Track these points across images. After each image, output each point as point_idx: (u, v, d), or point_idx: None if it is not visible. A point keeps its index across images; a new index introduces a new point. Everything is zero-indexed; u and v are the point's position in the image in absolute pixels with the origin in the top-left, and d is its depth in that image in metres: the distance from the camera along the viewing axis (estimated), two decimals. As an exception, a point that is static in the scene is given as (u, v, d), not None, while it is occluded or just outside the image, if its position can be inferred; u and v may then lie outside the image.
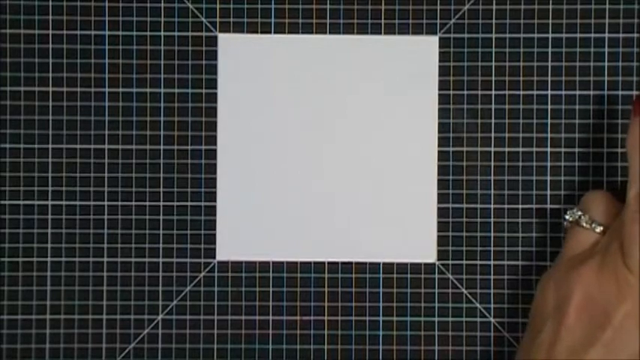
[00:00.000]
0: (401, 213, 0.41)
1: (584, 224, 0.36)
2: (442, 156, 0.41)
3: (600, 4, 0.41)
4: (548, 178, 0.41)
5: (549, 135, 0.41)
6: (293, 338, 0.41)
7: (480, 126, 0.41)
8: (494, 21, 0.41)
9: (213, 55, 0.41)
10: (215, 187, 0.41)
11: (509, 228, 0.41)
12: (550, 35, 0.41)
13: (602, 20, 0.41)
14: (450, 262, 0.41)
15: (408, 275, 0.41)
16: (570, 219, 0.37)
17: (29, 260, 0.41)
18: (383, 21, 0.41)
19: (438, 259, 0.41)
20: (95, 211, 0.41)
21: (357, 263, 0.41)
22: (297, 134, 0.41)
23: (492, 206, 0.41)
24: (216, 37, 0.41)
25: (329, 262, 0.41)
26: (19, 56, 0.41)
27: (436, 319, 0.41)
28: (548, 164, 0.41)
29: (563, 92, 0.41)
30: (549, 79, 0.41)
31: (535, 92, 0.41)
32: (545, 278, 0.37)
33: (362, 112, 0.41)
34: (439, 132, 0.41)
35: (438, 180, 0.41)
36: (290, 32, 0.41)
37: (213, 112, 0.41)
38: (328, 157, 0.41)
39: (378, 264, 0.41)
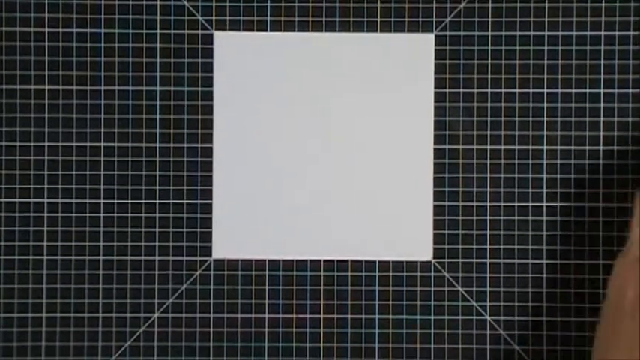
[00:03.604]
0: (397, 211, 0.41)
1: None
2: (438, 154, 0.41)
3: (596, 2, 0.41)
4: (545, 176, 0.41)
5: (545, 133, 0.41)
6: (289, 336, 0.41)
7: (476, 124, 0.41)
8: (490, 19, 0.41)
9: (209, 53, 0.41)
10: (211, 184, 0.41)
11: (505, 226, 0.41)
12: (546, 33, 0.41)
13: (598, 18, 0.41)
14: (446, 259, 0.41)
15: (404, 273, 0.41)
16: None
17: (25, 258, 0.41)
18: (379, 19, 0.41)
19: (434, 257, 0.41)
20: (91, 208, 0.41)
21: (353, 261, 0.41)
22: (293, 132, 0.41)
23: (488, 204, 0.41)
24: (212, 35, 0.41)
25: (325, 260, 0.41)
26: (15, 54, 0.41)
27: (432, 316, 0.41)
28: (544, 162, 0.41)
29: (559, 90, 0.41)
30: (545, 76, 0.41)
31: (531, 90, 0.41)
32: (619, 269, 0.34)
33: (358, 109, 0.41)
34: (435, 130, 0.41)
35: (434, 178, 0.41)
36: (286, 30, 0.41)
37: (209, 109, 0.41)
38: (324, 154, 0.41)
39: (374, 262, 0.41)
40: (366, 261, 0.41)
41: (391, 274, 0.41)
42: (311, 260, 0.41)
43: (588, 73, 0.41)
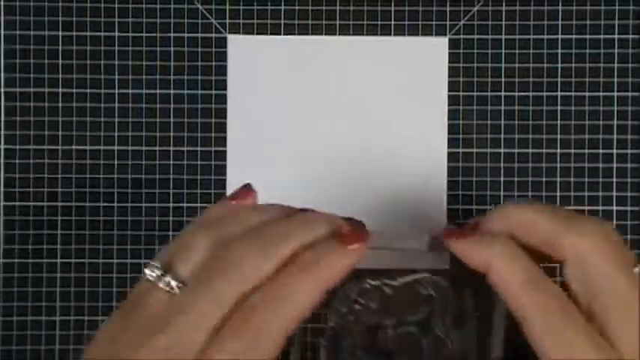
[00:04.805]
0: (410, 214, 0.41)
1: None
2: (452, 157, 0.41)
3: (610, 5, 0.41)
4: (558, 179, 0.41)
5: (559, 136, 0.41)
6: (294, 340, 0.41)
7: (490, 127, 0.41)
8: (503, 22, 0.41)
9: (222, 57, 0.41)
10: (225, 188, 0.41)
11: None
12: (560, 36, 0.41)
13: (611, 21, 0.41)
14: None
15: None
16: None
17: (39, 262, 0.41)
18: (393, 22, 0.41)
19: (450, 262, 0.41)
20: (105, 212, 0.41)
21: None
22: (307, 135, 0.41)
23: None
24: (225, 39, 0.41)
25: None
26: (29, 57, 0.41)
27: (446, 320, 0.41)
28: (558, 165, 0.41)
29: (573, 93, 0.41)
30: (559, 80, 0.41)
31: (545, 93, 0.41)
32: None
33: (371, 113, 0.41)
34: (449, 133, 0.41)
35: (448, 181, 0.41)
36: (300, 33, 0.41)
37: (222, 113, 0.41)
38: (337, 158, 0.41)
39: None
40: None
41: (405, 277, 0.41)
42: None
43: (602, 76, 0.41)
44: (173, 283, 0.27)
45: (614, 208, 0.41)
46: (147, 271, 0.28)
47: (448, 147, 0.41)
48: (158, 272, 0.27)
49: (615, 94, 0.41)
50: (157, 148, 0.41)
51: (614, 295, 0.27)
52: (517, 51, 0.41)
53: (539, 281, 0.27)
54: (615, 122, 0.41)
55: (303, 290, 0.27)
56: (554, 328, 0.26)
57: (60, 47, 0.41)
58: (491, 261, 0.28)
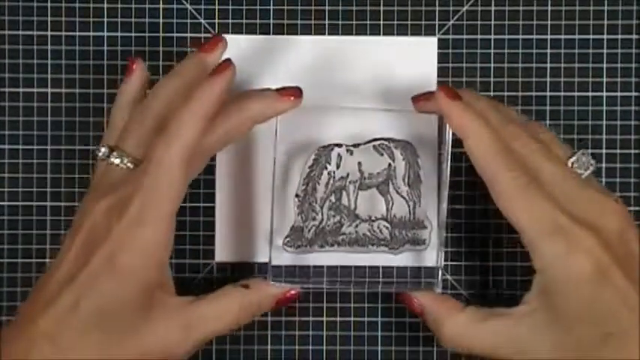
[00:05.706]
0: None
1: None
2: (442, 157, 0.41)
3: (599, 5, 0.41)
4: (547, 179, 0.41)
5: (548, 136, 0.41)
6: (292, 339, 0.41)
7: (479, 127, 0.41)
8: (492, 22, 0.41)
9: (211, 57, 0.41)
10: (214, 188, 0.41)
11: (508, 229, 0.41)
12: (549, 37, 0.41)
13: (600, 22, 0.41)
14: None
15: (408, 279, 0.41)
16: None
17: (28, 261, 0.41)
18: (382, 22, 0.41)
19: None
20: (94, 212, 0.41)
21: (356, 267, 0.41)
22: (296, 135, 0.41)
23: (491, 207, 0.41)
24: (214, 38, 0.41)
25: (328, 267, 0.41)
26: (18, 57, 0.41)
27: (435, 320, 0.41)
28: (547, 165, 0.41)
29: (562, 93, 0.41)
30: (548, 80, 0.41)
31: (534, 93, 0.41)
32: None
33: (361, 113, 0.41)
34: (438, 134, 0.41)
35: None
36: (289, 33, 0.41)
37: (211, 113, 0.41)
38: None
39: (378, 267, 0.41)
40: (370, 267, 0.41)
41: (395, 279, 0.41)
42: (314, 266, 0.41)
43: (591, 76, 0.41)
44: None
45: (603, 208, 0.41)
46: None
47: (438, 147, 0.41)
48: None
49: (604, 94, 0.41)
50: (146, 148, 0.41)
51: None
52: (506, 51, 0.41)
53: (509, 151, 0.34)
54: (604, 122, 0.41)
55: (183, 123, 0.33)
56: (519, 186, 0.34)
57: (49, 47, 0.41)
58: (468, 132, 0.35)
